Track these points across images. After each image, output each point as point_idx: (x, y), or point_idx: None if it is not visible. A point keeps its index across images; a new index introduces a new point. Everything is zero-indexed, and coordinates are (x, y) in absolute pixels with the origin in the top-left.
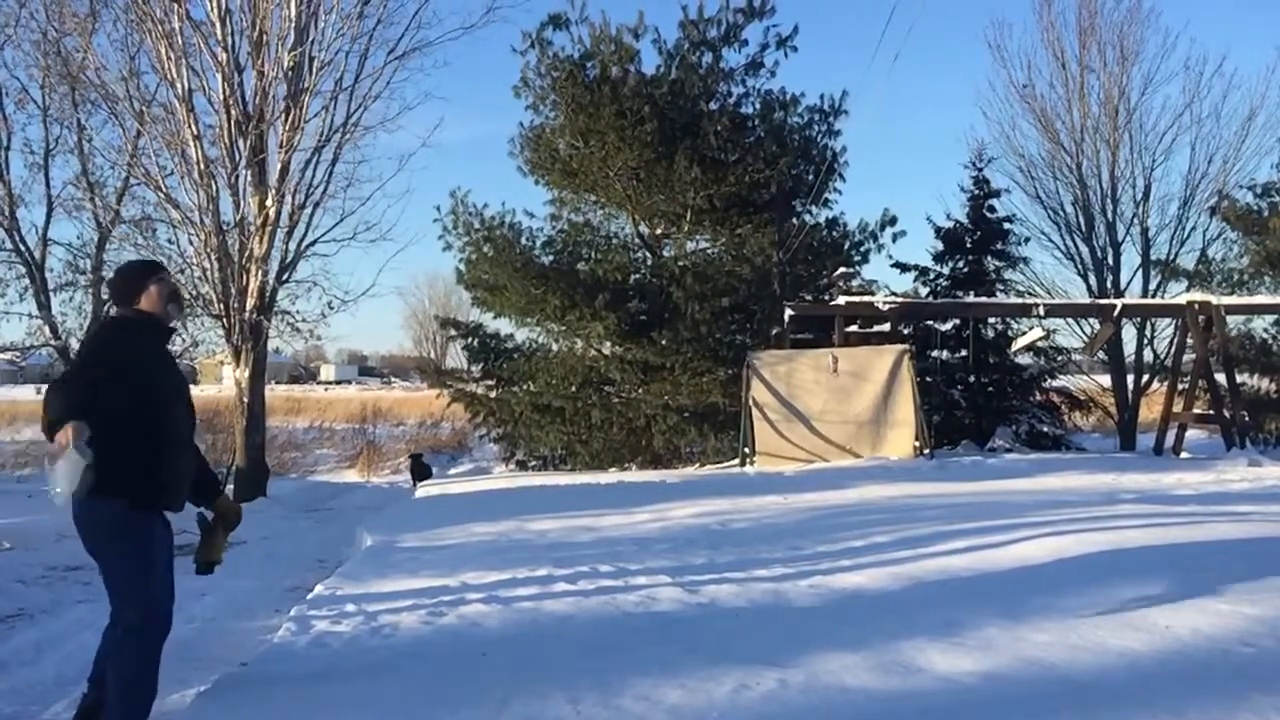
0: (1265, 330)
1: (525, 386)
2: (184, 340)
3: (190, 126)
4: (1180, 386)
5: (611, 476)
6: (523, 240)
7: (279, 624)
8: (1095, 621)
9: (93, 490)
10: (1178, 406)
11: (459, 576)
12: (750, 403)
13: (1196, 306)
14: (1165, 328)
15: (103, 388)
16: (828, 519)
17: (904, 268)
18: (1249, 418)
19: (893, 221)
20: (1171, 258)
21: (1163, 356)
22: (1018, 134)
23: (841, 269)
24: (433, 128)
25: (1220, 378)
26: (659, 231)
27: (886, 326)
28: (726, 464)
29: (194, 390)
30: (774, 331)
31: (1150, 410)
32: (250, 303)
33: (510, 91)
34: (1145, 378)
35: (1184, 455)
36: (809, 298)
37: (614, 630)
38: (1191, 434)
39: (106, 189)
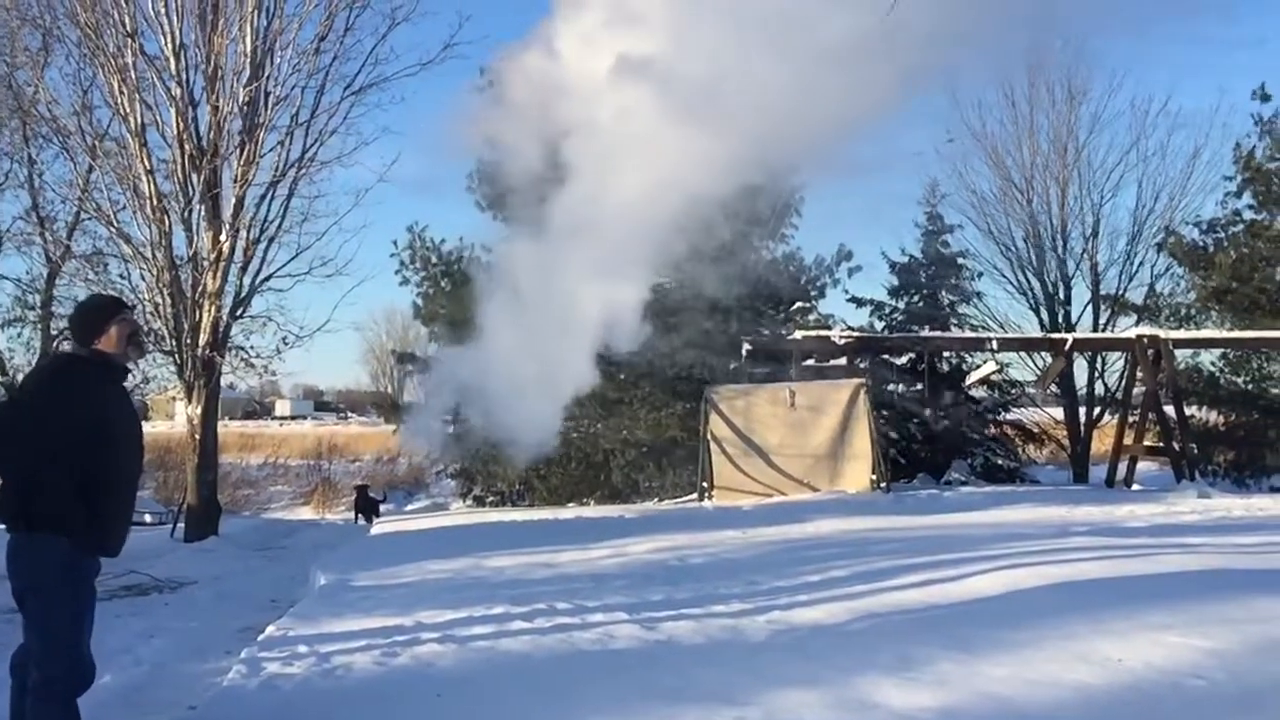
0: (1212, 364)
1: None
2: (135, 376)
3: (143, 161)
4: (1131, 419)
5: (569, 512)
6: (481, 275)
7: (229, 666)
8: (1049, 655)
9: (36, 528)
10: (1128, 439)
11: (414, 616)
12: (708, 437)
13: (1145, 341)
14: (1115, 361)
15: (48, 424)
16: (785, 554)
17: (860, 302)
18: (1198, 450)
19: (848, 256)
20: (1121, 293)
21: (1113, 390)
22: (970, 171)
23: (798, 304)
24: (390, 163)
25: (1169, 410)
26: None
27: (843, 361)
28: (685, 499)
29: (145, 427)
30: (731, 366)
31: (1102, 443)
32: (203, 338)
33: None
34: (1097, 411)
35: (1135, 487)
36: (766, 332)
37: (571, 669)
38: (1142, 466)
39: (57, 223)
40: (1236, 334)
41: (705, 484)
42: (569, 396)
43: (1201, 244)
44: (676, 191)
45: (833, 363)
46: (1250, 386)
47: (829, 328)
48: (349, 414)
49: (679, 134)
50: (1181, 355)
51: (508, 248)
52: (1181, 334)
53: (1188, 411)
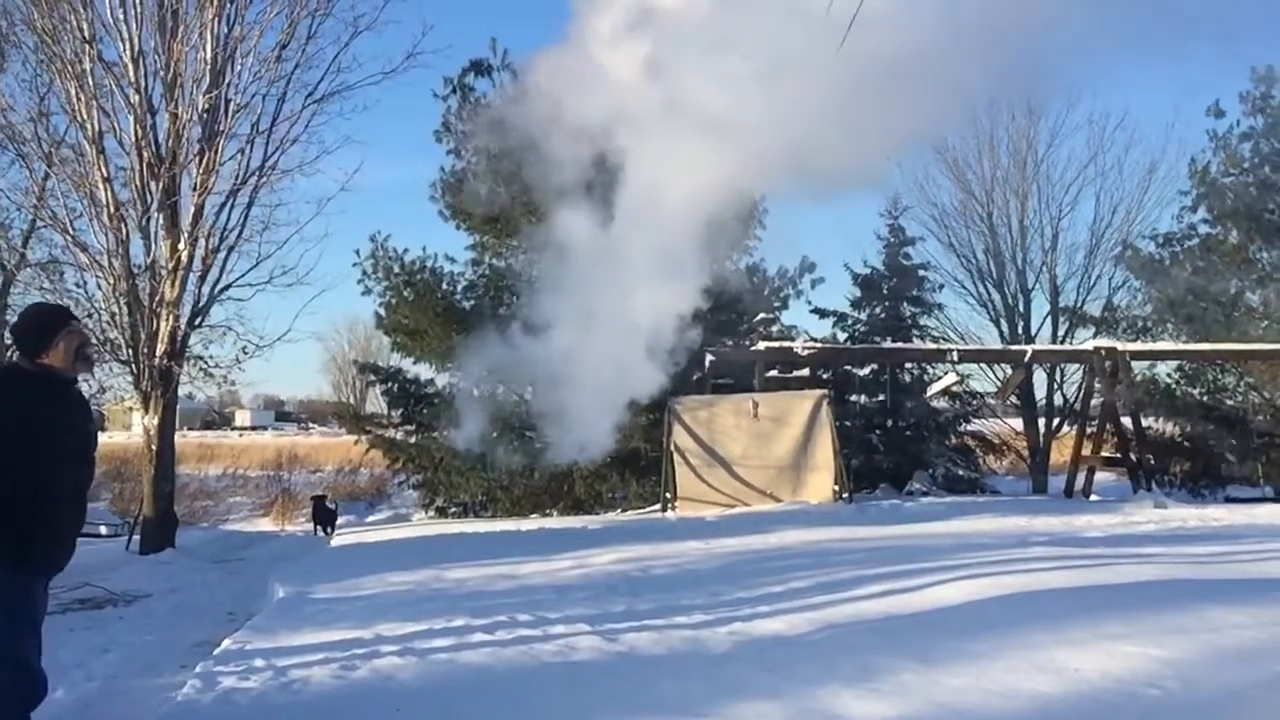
0: (1168, 376)
1: (445, 432)
2: (90, 386)
3: (101, 168)
4: (1089, 430)
5: (532, 523)
6: (444, 285)
7: (184, 681)
8: (1008, 665)
9: None
10: (1087, 450)
11: (373, 628)
12: (672, 448)
13: (1103, 353)
14: (1074, 373)
15: None
16: (748, 564)
17: (823, 314)
18: (1154, 461)
19: (811, 268)
20: (1079, 305)
21: (1072, 401)
22: (931, 184)
23: (761, 314)
24: (352, 171)
25: (1126, 422)
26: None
27: (806, 372)
28: (648, 509)
29: (101, 437)
30: (695, 377)
31: (1061, 453)
32: (161, 348)
33: (431, 136)
34: (1056, 422)
35: (1093, 498)
36: (730, 343)
37: (531, 681)
38: (1100, 476)
39: (12, 231)
40: (1192, 346)
41: (668, 495)
42: (628, 398)
43: (1158, 257)
44: (715, 192)
45: (796, 374)
46: (1205, 398)
47: (792, 339)
48: (310, 424)
49: (708, 136)
50: (1138, 367)
51: (562, 243)
52: (1138, 346)
53: (1144, 423)
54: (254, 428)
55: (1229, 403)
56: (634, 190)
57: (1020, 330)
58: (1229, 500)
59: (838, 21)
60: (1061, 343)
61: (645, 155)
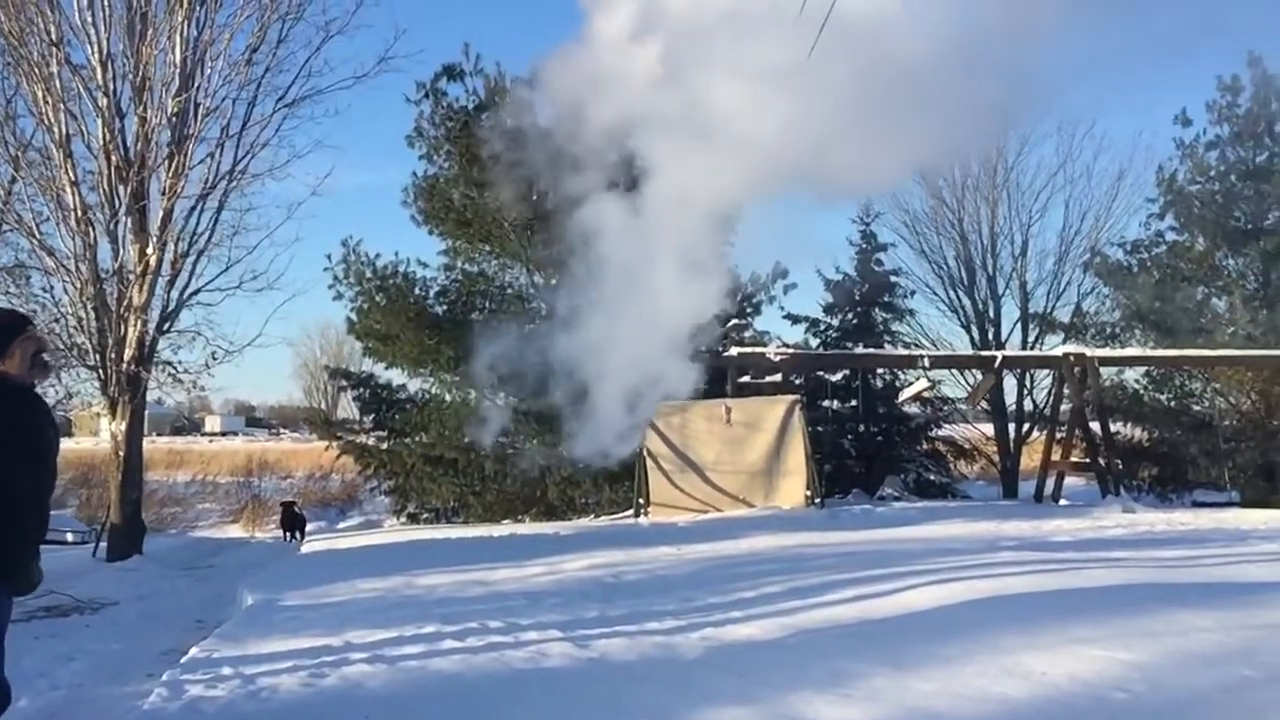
0: (1136, 381)
1: (417, 438)
2: (57, 391)
3: (68, 172)
4: (1058, 435)
5: (505, 529)
6: (416, 290)
7: (150, 689)
8: (978, 669)
9: None
10: (1056, 455)
11: (343, 635)
12: (644, 453)
13: (1072, 359)
14: (1044, 378)
15: None
16: (720, 569)
17: (795, 319)
18: (1122, 466)
19: (784, 274)
20: (1048, 311)
21: (1042, 406)
22: (902, 191)
23: (734, 320)
24: (323, 176)
25: (1095, 427)
26: (553, 282)
27: (778, 377)
28: (620, 515)
29: (68, 443)
30: None
31: (1031, 458)
32: (128, 353)
33: (404, 141)
34: (1026, 427)
35: (1063, 502)
36: (702, 348)
37: (502, 689)
38: (1070, 481)
39: None
40: (1159, 352)
41: (641, 500)
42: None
43: (1126, 264)
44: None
45: (768, 379)
46: (1173, 404)
47: (765, 344)
48: (281, 430)
49: (722, 141)
50: (1107, 373)
51: (583, 246)
52: (1107, 352)
53: (1113, 428)
54: (224, 433)
55: (1196, 408)
56: (649, 194)
57: (991, 336)
58: (1196, 505)
59: (843, 30)
60: (1031, 348)
61: (659, 160)
